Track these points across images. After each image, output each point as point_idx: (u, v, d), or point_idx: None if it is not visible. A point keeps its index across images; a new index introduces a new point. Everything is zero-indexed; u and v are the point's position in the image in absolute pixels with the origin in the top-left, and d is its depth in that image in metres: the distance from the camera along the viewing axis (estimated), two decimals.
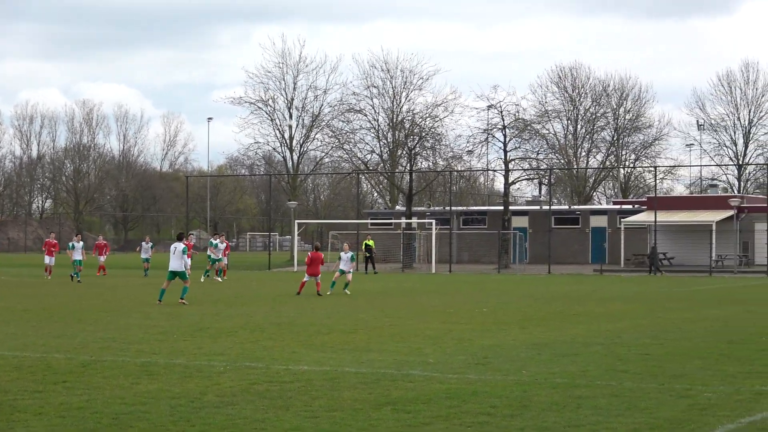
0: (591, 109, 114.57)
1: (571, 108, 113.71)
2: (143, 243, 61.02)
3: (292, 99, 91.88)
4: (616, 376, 17.04)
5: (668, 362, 18.92)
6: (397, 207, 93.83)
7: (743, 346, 21.81)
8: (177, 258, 33.88)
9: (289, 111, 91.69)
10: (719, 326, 26.85)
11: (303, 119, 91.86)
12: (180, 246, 34.05)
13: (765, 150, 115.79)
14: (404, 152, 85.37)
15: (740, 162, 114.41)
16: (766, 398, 14.84)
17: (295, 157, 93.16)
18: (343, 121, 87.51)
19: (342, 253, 42.04)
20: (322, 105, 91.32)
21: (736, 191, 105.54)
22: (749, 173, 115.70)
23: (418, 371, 17.63)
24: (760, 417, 13.32)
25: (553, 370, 17.76)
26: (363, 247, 68.28)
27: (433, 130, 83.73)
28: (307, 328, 25.88)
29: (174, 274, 34.02)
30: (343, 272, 41.14)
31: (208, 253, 54.22)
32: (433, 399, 14.77)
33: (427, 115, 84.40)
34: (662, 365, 18.48)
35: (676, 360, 19.27)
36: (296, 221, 77.29)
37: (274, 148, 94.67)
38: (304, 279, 39.50)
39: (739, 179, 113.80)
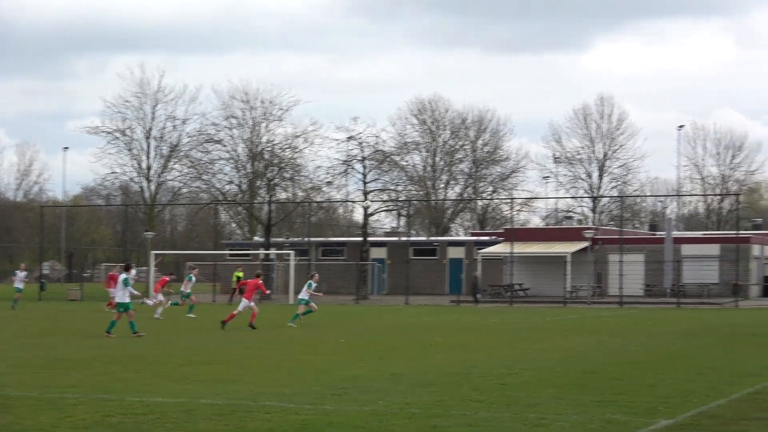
0: (450, 142, 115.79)
1: (430, 140, 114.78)
2: (18, 271, 58.41)
3: (150, 129, 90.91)
4: (471, 406, 17.21)
5: (522, 392, 19.17)
6: (256, 238, 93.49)
7: (595, 375, 22.20)
8: (121, 289, 33.83)
9: (147, 141, 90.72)
10: (572, 356, 27.29)
11: (161, 149, 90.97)
12: (122, 276, 33.97)
13: (619, 183, 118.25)
14: (263, 183, 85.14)
15: (595, 194, 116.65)
16: (615, 426, 15.14)
17: (153, 188, 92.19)
18: (201, 152, 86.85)
19: (311, 282, 42.41)
20: (181, 135, 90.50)
21: (590, 223, 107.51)
22: (603, 205, 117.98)
23: (274, 402, 17.58)
24: None
25: (409, 401, 17.86)
26: (234, 278, 67.62)
27: (293, 161, 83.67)
28: (164, 360, 25.65)
29: (122, 306, 33.88)
30: (305, 302, 42.04)
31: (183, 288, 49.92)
32: (288, 430, 14.75)
33: (287, 146, 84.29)
34: (516, 395, 18.72)
35: (530, 389, 19.53)
36: (153, 252, 76.41)
37: (131, 178, 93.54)
38: (239, 309, 38.97)
39: (593, 211, 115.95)
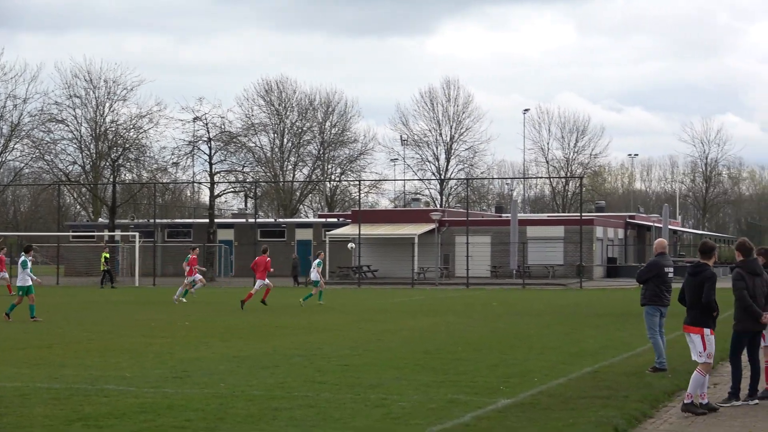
0: (297, 123, 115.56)
1: (278, 121, 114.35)
2: None
3: None
4: (313, 387, 17.11)
5: (365, 373, 19.14)
6: (101, 219, 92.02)
7: (438, 356, 22.28)
8: (24, 273, 33.32)
9: None
10: (417, 337, 27.38)
11: (1, 128, 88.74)
12: (21, 259, 33.62)
13: (465, 165, 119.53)
14: (107, 164, 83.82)
15: (442, 177, 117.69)
16: (456, 406, 15.18)
17: None
18: (44, 131, 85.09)
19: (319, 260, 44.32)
20: (22, 114, 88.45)
21: (438, 205, 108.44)
22: (450, 188, 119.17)
23: (113, 386, 17.24)
24: (450, 424, 13.59)
25: (251, 383, 17.69)
26: (102, 260, 65.97)
27: (138, 141, 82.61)
28: (1, 344, 25.01)
29: (22, 290, 33.32)
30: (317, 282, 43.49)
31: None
32: (126, 413, 14.46)
33: (131, 126, 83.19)
34: (360, 376, 18.67)
35: (373, 370, 19.51)
36: None
37: None
38: (255, 288, 40.68)
39: (441, 193, 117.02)
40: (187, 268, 46.22)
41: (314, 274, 43.99)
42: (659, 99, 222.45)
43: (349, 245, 40.97)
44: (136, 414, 14.45)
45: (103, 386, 17.22)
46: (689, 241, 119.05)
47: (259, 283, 40.67)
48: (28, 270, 33.39)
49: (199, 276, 46.64)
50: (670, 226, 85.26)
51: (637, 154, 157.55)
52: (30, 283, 33.30)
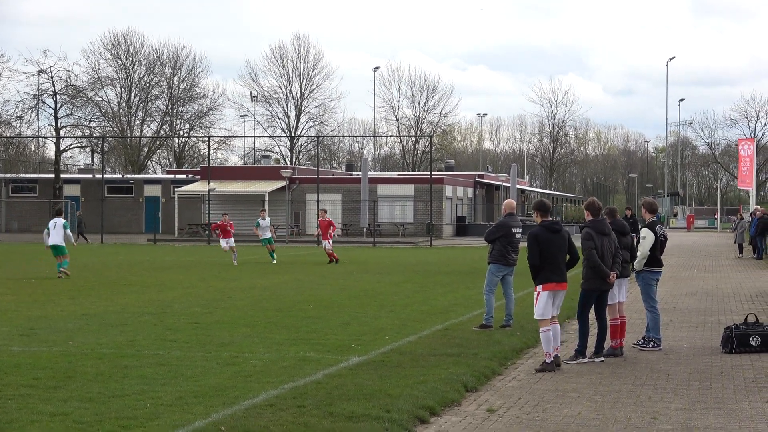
0: (145, 78, 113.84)
1: (125, 76, 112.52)
2: None
3: None
4: (164, 346, 16.98)
5: (217, 331, 19.05)
6: None
7: (289, 314, 22.28)
8: (58, 233, 33.83)
9: None
10: (268, 295, 27.31)
11: None
12: (60, 220, 34.02)
13: (316, 123, 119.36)
14: None
15: (292, 134, 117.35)
16: (308, 364, 15.20)
17: None
18: None
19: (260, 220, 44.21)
20: None
21: (288, 162, 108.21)
22: (301, 145, 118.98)
23: None
24: (302, 382, 13.60)
25: (101, 341, 17.47)
26: None
27: None
28: None
29: (56, 249, 33.79)
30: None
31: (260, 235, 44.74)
32: None
33: None
34: (211, 334, 18.58)
35: (225, 328, 19.43)
36: None
37: None
38: (329, 247, 42.56)
39: (291, 150, 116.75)
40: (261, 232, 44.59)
41: (267, 232, 44.11)
42: (503, 59, 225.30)
43: (78, 213, 40.16)
44: None
45: None
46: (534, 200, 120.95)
47: (326, 243, 42.84)
48: None
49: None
50: (518, 186, 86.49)
51: (486, 114, 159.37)
52: (63, 243, 34.09)
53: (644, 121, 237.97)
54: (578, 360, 16.19)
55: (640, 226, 21.49)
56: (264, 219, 44.17)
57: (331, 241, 42.98)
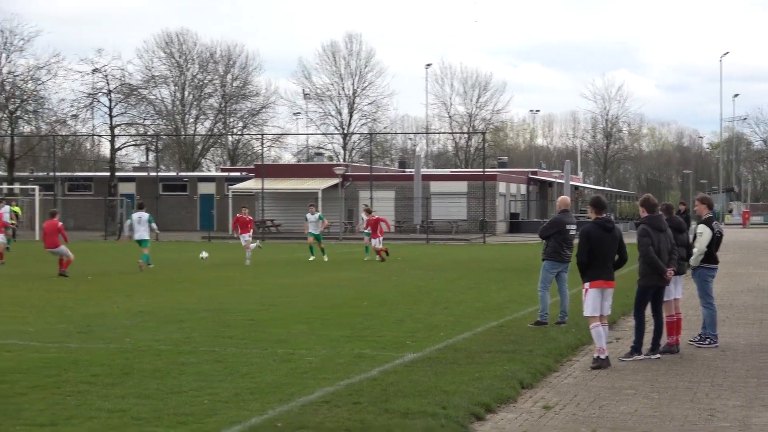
0: (198, 76, 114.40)
1: (179, 74, 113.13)
2: None
3: None
4: (220, 342, 17.07)
5: (272, 327, 19.12)
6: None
7: (344, 311, 22.32)
8: (143, 227, 35.62)
9: None
10: (322, 292, 27.39)
11: None
12: (145, 215, 35.76)
13: (369, 120, 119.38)
14: (5, 115, 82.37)
15: (345, 131, 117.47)
16: (363, 360, 15.23)
17: None
18: None
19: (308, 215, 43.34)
20: None
21: (341, 160, 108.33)
22: (354, 142, 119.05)
23: (16, 340, 17.05)
24: (358, 379, 13.64)
25: (157, 338, 17.59)
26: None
27: (36, 93, 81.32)
28: None
29: (142, 243, 35.66)
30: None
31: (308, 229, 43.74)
32: (31, 369, 14.31)
33: (29, 77, 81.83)
34: (266, 330, 18.65)
35: (280, 325, 19.49)
36: None
37: None
38: (379, 246, 42.40)
39: (344, 148, 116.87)
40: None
41: (315, 228, 43.42)
42: (554, 55, 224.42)
43: (202, 255, 39.77)
44: (41, 369, 14.30)
45: (5, 341, 17.01)
46: (590, 196, 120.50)
47: (375, 241, 42.41)
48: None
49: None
50: (571, 182, 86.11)
51: (538, 110, 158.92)
52: (147, 237, 35.96)
53: (698, 116, 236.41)
54: (634, 357, 16.11)
55: (693, 223, 21.38)
56: (312, 214, 43.55)
57: (381, 239, 42.87)
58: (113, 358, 15.35)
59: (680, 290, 17.29)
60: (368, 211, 44.61)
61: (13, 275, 32.96)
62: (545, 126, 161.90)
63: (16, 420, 11.14)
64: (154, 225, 35.96)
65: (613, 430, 11.45)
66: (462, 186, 79.14)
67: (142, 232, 35.74)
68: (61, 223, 34.04)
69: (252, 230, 42.20)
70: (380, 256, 42.34)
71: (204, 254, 39.93)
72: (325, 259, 42.16)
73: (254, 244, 41.82)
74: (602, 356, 15.36)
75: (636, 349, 16.23)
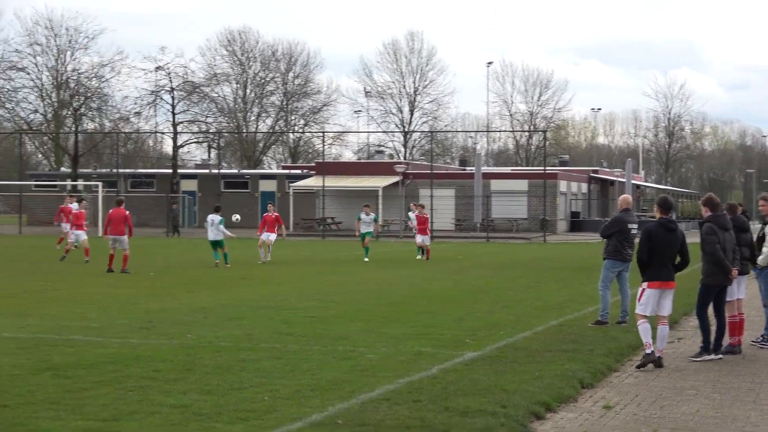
0: (260, 74, 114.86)
1: (241, 72, 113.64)
2: None
3: None
4: (280, 339, 17.13)
5: (332, 325, 19.17)
6: (63, 169, 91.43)
7: (404, 308, 22.34)
8: (215, 229, 36.24)
9: None
10: (382, 289, 27.44)
11: None
12: (217, 218, 36.38)
13: (429, 118, 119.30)
14: (69, 112, 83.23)
15: (406, 129, 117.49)
16: (423, 358, 15.23)
17: None
18: (4, 79, 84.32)
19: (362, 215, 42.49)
20: None
21: (402, 157, 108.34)
22: (414, 140, 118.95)
23: (80, 336, 17.21)
24: (417, 377, 13.64)
25: (218, 334, 17.69)
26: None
27: (100, 90, 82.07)
28: None
29: (214, 244, 36.45)
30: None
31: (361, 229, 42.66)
32: (94, 364, 14.43)
33: (93, 75, 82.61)
34: (326, 327, 18.70)
35: (340, 322, 19.54)
36: None
37: None
38: (428, 243, 42.73)
39: (405, 146, 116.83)
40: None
41: (369, 227, 42.33)
42: (615, 53, 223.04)
43: (234, 217, 39.89)
44: (104, 364, 14.42)
45: (69, 336, 17.18)
46: (652, 196, 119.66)
47: (419, 238, 42.52)
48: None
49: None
50: (633, 181, 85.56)
51: (600, 109, 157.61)
52: (221, 238, 36.38)
53: (761, 115, 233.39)
54: (703, 357, 15.99)
55: (754, 222, 21.16)
56: (368, 215, 42.32)
57: (429, 236, 42.65)
58: (175, 353, 15.46)
59: (743, 290, 17.16)
60: (420, 206, 44.49)
61: (75, 272, 33.26)
62: (606, 124, 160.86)
63: (79, 415, 11.25)
64: (221, 227, 36.05)
65: (675, 430, 11.38)
66: (523, 184, 78.90)
67: (215, 234, 36.26)
68: (128, 213, 34.10)
69: (278, 227, 39.74)
70: (427, 255, 42.14)
71: (236, 216, 40.43)
72: (366, 259, 40.68)
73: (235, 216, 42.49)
74: (647, 351, 15.26)
75: (705, 348, 16.11)
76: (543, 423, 11.65)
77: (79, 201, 43.58)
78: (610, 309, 19.97)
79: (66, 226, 43.56)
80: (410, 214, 43.36)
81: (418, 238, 43.08)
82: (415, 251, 44.10)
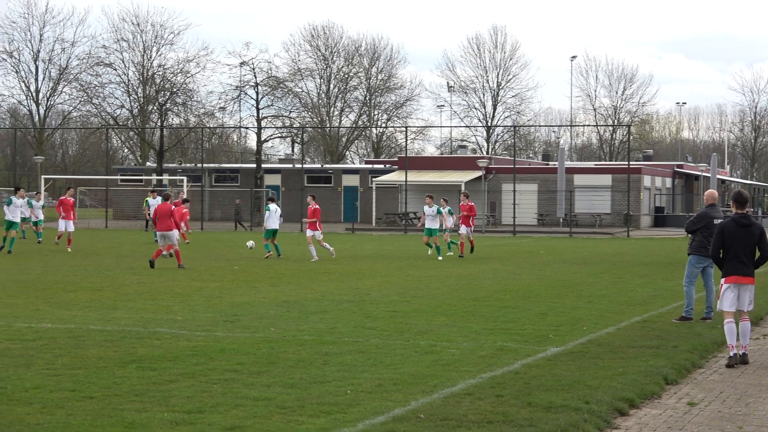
0: (344, 69, 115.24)
1: (324, 67, 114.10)
2: (33, 201, 48.64)
3: (38, 51, 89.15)
4: (363, 333, 17.19)
5: (415, 319, 19.19)
6: (148, 163, 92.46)
7: (487, 303, 22.31)
8: (277, 217, 37.74)
9: (35, 63, 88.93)
10: (465, 284, 27.41)
11: (50, 72, 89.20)
12: (272, 207, 37.70)
13: (512, 112, 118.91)
14: (155, 108, 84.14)
15: (489, 124, 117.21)
16: (506, 353, 15.20)
17: (42, 111, 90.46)
18: (92, 75, 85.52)
19: (425, 207, 40.29)
20: (70, 58, 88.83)
21: (484, 152, 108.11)
22: (497, 135, 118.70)
23: (165, 329, 17.39)
24: (500, 372, 13.61)
25: (301, 327, 17.79)
26: (144, 204, 66.01)
27: (185, 85, 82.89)
28: (52, 286, 25.28)
29: (272, 233, 37.57)
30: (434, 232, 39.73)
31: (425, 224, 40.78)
32: (179, 356, 14.58)
33: (179, 70, 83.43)
34: (408, 322, 18.73)
35: (422, 317, 19.56)
36: (43, 176, 75.13)
37: (19, 102, 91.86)
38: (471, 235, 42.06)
39: (487, 140, 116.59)
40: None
41: (434, 223, 39.74)
42: (698, 47, 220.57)
43: (249, 244, 39.35)
44: (188, 357, 14.57)
45: (155, 329, 17.38)
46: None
47: (463, 229, 41.61)
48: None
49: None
50: (718, 176, 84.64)
51: (685, 103, 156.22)
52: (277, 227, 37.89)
53: None
54: None
55: None
56: (430, 206, 39.85)
57: (472, 228, 42.05)
58: (258, 347, 15.57)
59: None
60: (466, 195, 43.24)
61: (159, 264, 33.57)
62: (691, 119, 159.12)
63: (164, 406, 11.38)
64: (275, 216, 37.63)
65: (760, 427, 11.25)
66: (606, 179, 78.36)
67: (274, 222, 37.40)
68: (174, 207, 33.76)
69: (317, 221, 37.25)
70: (461, 250, 40.51)
71: (250, 243, 40.25)
72: (440, 258, 38.57)
73: (250, 243, 40.48)
74: (731, 353, 15.08)
75: None
76: (626, 419, 11.58)
77: (185, 201, 41.37)
78: (695, 305, 19.78)
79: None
80: (425, 207, 40.14)
81: (462, 229, 41.60)
82: (423, 248, 41.44)
